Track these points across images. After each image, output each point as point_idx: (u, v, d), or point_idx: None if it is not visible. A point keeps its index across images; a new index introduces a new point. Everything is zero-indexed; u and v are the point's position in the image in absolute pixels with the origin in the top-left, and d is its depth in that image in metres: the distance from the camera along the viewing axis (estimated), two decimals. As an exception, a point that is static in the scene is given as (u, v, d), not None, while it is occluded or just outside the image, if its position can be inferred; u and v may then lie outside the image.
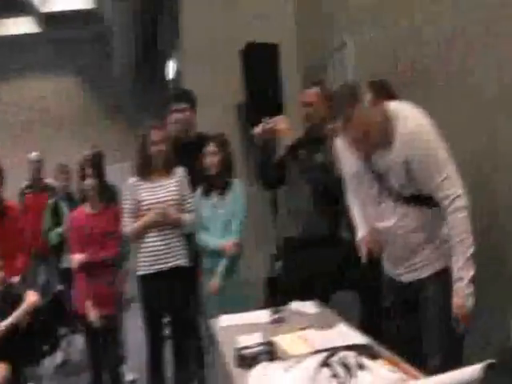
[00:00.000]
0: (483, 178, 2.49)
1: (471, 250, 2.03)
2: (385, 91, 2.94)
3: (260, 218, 4.11)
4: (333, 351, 1.63)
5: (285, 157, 3.22)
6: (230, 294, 3.27)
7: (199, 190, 3.46)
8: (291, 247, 3.15)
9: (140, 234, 3.35)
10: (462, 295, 2.02)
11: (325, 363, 1.55)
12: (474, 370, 1.57)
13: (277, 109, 4.22)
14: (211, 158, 3.38)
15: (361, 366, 1.57)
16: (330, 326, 2.22)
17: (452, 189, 2.05)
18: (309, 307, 2.58)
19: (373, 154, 2.15)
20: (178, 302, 3.38)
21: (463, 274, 2.02)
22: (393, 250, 2.27)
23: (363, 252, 2.35)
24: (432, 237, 2.17)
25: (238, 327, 2.41)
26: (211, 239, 3.35)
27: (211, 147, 3.40)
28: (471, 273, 2.02)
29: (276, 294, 3.49)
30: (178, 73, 6.45)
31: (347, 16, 4.18)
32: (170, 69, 7.62)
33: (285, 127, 3.27)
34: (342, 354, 1.60)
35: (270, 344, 1.98)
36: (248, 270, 3.44)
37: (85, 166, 3.58)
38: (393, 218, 2.19)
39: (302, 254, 3.04)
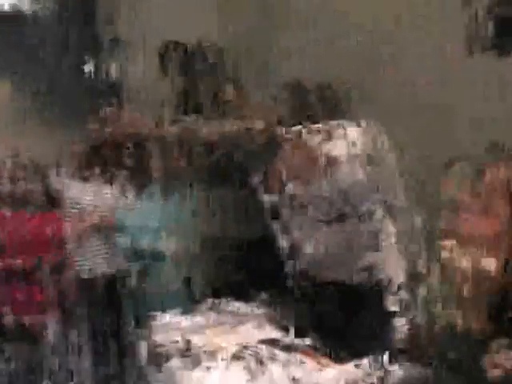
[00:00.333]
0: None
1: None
2: (303, 97, 3.03)
3: (184, 219, 4.10)
4: (246, 345, 1.66)
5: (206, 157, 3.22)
6: (153, 295, 3.25)
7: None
8: (212, 248, 3.16)
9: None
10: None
11: (237, 356, 1.58)
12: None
13: (195, 107, 4.20)
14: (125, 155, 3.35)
15: (273, 358, 1.60)
16: (247, 321, 2.24)
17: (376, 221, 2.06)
18: (225, 304, 2.60)
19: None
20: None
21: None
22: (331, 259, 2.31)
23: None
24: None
25: (154, 326, 2.40)
26: (126, 238, 3.32)
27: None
28: None
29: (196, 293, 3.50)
30: (102, 71, 6.32)
31: (272, 17, 4.24)
32: (93, 67, 7.45)
33: None
34: (254, 347, 1.64)
35: (184, 341, 1.99)
36: (169, 270, 3.43)
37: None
38: (323, 237, 2.22)
39: (221, 255, 3.05)
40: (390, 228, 2.08)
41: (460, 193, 1.34)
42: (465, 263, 1.28)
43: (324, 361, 1.80)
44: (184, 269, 3.66)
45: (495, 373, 1.14)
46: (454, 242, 1.35)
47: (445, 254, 1.34)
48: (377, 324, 2.20)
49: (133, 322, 2.61)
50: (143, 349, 2.13)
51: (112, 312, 3.47)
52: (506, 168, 1.28)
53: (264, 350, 1.63)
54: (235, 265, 2.98)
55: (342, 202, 2.10)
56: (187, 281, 3.67)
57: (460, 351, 1.21)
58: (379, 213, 2.08)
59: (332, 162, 2.07)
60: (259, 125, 2.96)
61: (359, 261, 2.20)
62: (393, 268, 2.05)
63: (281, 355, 1.64)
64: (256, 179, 2.06)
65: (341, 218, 2.15)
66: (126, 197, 3.35)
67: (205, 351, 1.91)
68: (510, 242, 1.25)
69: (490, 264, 1.25)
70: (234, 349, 1.65)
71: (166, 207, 3.40)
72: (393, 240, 2.07)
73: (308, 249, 2.32)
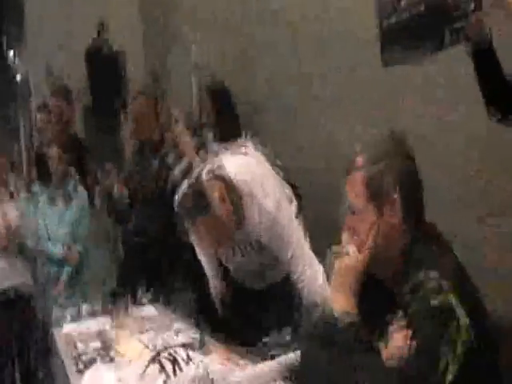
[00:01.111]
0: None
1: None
2: (225, 99, 3.12)
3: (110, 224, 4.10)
4: (164, 348, 1.71)
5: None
6: (78, 302, 3.23)
7: (44, 197, 3.38)
8: (130, 252, 3.18)
9: None
10: None
11: (154, 359, 1.62)
12: (295, 354, 1.74)
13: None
14: (55, 162, 3.31)
15: (189, 360, 1.65)
16: (167, 326, 2.29)
17: (298, 266, 2.02)
18: (148, 310, 2.63)
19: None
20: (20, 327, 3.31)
21: None
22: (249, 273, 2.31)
23: (218, 302, 2.42)
24: None
25: (79, 334, 2.38)
26: (55, 247, 3.29)
27: (54, 151, 3.32)
28: None
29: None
30: (23, 72, 6.17)
31: (192, 24, 4.31)
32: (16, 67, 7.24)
33: None
34: (171, 349, 1.68)
35: (106, 348, 2.02)
36: (97, 277, 3.42)
37: None
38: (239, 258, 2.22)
39: (139, 258, 3.06)
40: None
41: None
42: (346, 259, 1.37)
43: (241, 361, 1.88)
44: (104, 275, 3.66)
45: (392, 361, 1.21)
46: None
47: (336, 249, 1.43)
48: (288, 321, 2.29)
49: (55, 330, 2.58)
50: (65, 357, 2.12)
51: (25, 321, 3.39)
52: (364, 170, 1.38)
53: (181, 351, 1.68)
54: (156, 270, 3.01)
55: (260, 249, 2.10)
56: (108, 287, 3.65)
57: (348, 336, 1.27)
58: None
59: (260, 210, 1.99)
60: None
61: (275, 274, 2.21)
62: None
63: (197, 356, 1.69)
64: (187, 237, 2.03)
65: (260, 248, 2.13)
66: (53, 203, 3.31)
67: (124, 356, 1.96)
68: (376, 238, 1.35)
69: (356, 256, 1.35)
70: (151, 352, 1.69)
71: (89, 213, 3.39)
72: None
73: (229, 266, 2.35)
